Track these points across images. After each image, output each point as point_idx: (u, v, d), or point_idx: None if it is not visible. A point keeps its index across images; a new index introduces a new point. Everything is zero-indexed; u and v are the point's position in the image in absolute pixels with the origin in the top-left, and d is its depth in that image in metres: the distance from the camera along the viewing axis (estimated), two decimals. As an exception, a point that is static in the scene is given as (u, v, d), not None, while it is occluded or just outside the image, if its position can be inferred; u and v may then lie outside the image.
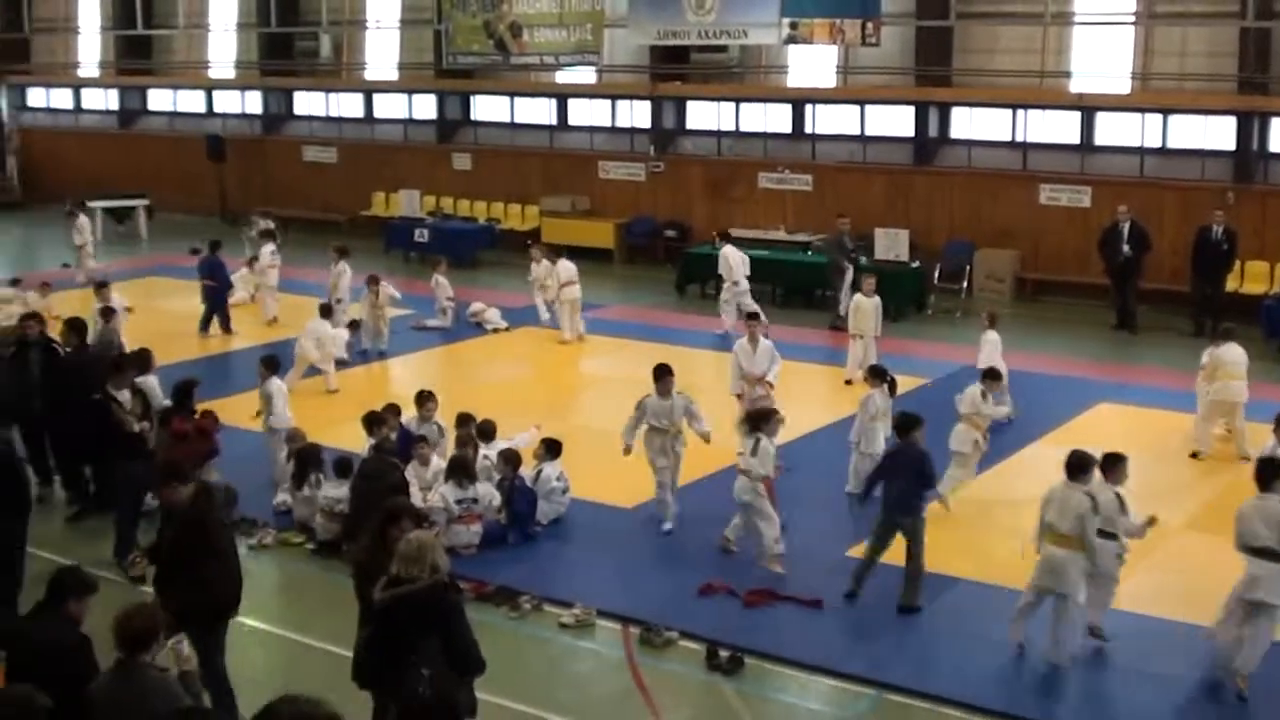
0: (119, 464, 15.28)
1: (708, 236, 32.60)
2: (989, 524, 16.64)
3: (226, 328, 26.99)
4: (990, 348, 20.72)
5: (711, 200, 34.53)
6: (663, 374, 16.64)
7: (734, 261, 27.09)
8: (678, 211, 34.93)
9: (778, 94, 34.74)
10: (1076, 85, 30.53)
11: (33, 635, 9.13)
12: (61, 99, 50.51)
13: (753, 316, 20.54)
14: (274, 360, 19.04)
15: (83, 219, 32.60)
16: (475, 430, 16.94)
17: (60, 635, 8.98)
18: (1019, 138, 31.43)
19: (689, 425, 16.71)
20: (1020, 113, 31.31)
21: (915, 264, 28.66)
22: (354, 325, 24.55)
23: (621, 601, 14.17)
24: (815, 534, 16.38)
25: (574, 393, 23.62)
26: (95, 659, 8.92)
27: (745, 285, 26.94)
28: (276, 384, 18.50)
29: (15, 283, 27.59)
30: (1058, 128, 31.03)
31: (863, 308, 22.93)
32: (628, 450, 16.63)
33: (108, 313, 21.52)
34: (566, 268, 26.36)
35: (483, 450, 16.66)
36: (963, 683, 12.41)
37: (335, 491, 15.74)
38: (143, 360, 17.53)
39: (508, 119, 39.40)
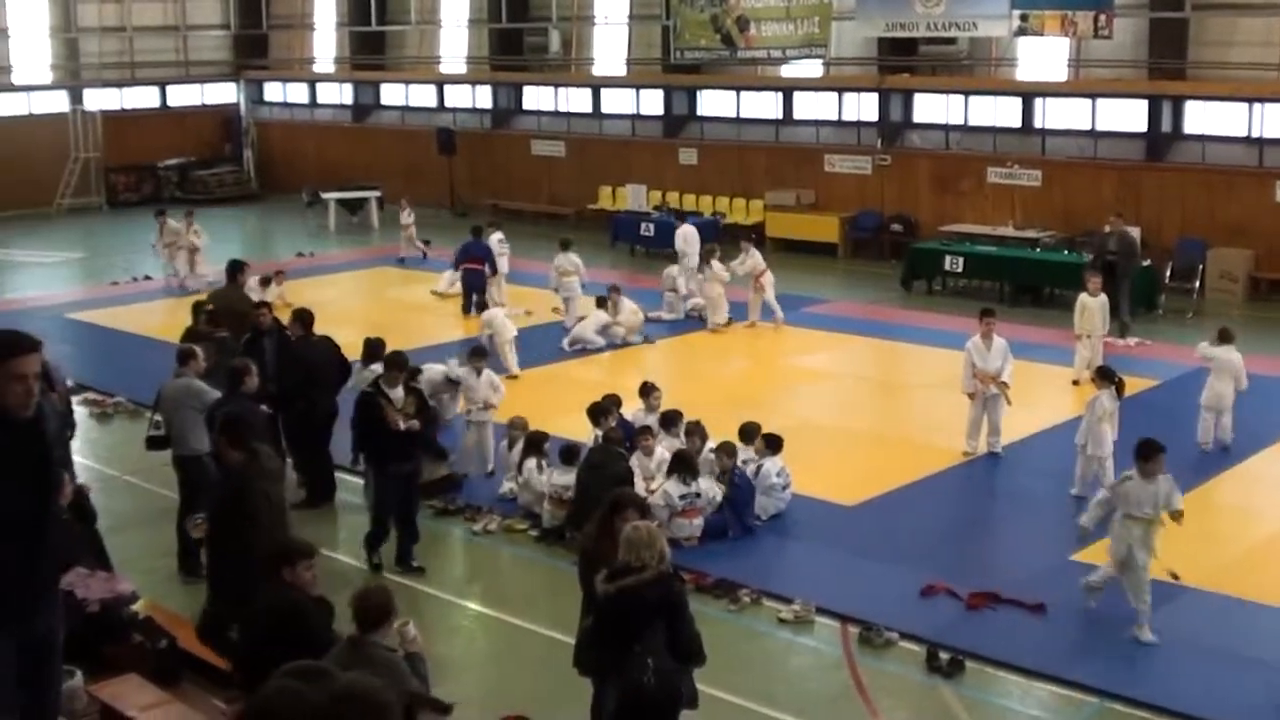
0: (385, 464, 15.01)
1: (934, 232, 32.37)
2: (1218, 531, 16.18)
3: (478, 308, 27.36)
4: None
5: (938, 195, 34.17)
6: (1151, 452, 13.31)
7: (691, 240, 28.27)
8: (904, 206, 34.62)
9: (1007, 87, 34.19)
10: (1317, 79, 29.57)
11: (258, 604, 9.47)
12: (297, 93, 51.91)
13: (988, 313, 20.06)
14: (482, 350, 19.22)
15: (171, 222, 32.17)
16: (741, 433, 16.93)
17: (279, 602, 9.26)
18: (1255, 133, 30.46)
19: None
20: (1257, 107, 30.34)
21: (1146, 262, 27.99)
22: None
23: (841, 599, 14.11)
24: (1038, 537, 16.14)
25: (794, 387, 23.56)
26: (323, 627, 9.12)
27: (694, 264, 27.84)
28: (487, 374, 18.60)
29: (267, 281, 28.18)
30: (1296, 123, 30.07)
31: (1089, 307, 22.40)
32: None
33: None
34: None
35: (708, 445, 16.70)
36: (1188, 695, 12.07)
37: (562, 479, 15.92)
38: (375, 350, 17.86)
39: (733, 113, 39.41)
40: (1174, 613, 13.76)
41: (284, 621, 9.04)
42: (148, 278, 28.11)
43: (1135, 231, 27.57)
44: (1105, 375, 17.38)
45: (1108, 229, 26.59)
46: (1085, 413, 17.28)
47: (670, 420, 17.10)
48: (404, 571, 14.80)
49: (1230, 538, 15.93)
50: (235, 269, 20.81)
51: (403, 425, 14.75)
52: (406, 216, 34.54)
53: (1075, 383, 22.06)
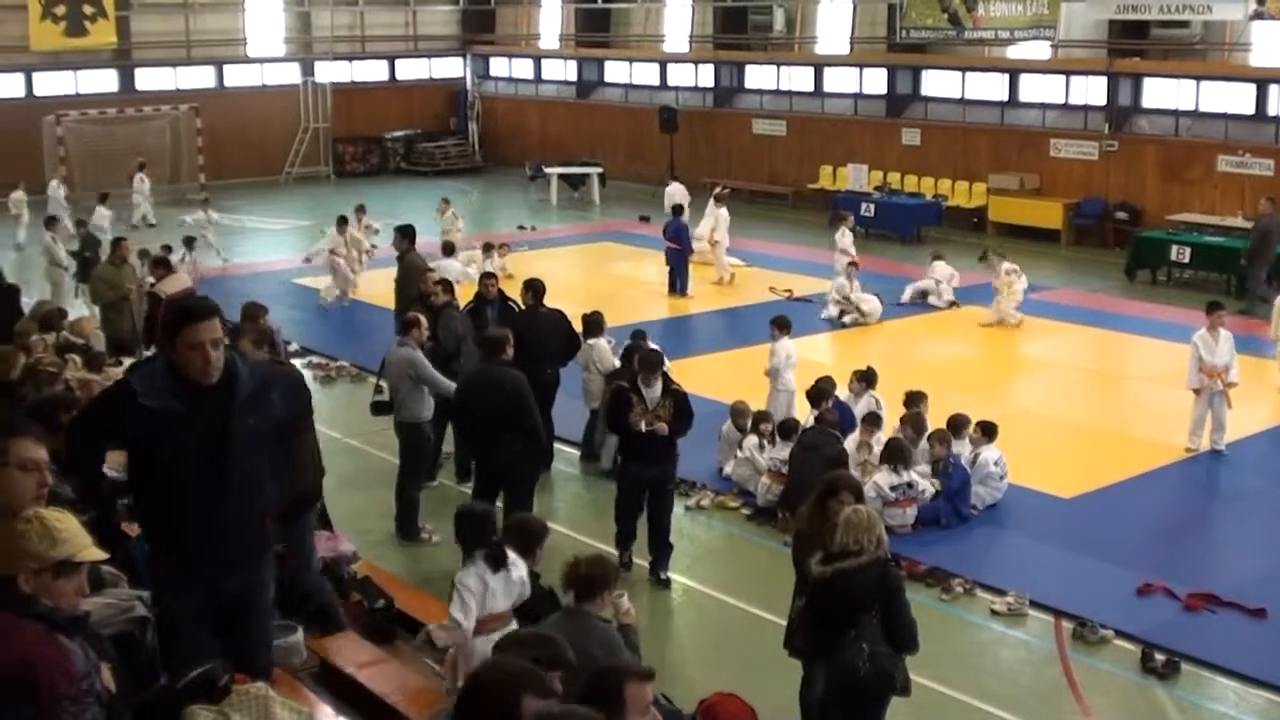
0: (626, 462, 14.63)
1: (1160, 221, 31.67)
2: None
3: (683, 290, 27.74)
4: None
5: (1166, 182, 33.38)
6: None
7: (723, 222, 28.76)
8: (1130, 193, 33.90)
9: (1240, 73, 33.26)
10: None
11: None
12: (522, 69, 52.54)
13: (1216, 305, 19.52)
14: (785, 320, 19.02)
15: (200, 214, 32.60)
16: (950, 424, 16.71)
17: None
18: None
19: None
20: None
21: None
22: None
23: (1056, 593, 13.93)
24: (1261, 539, 15.78)
25: (1014, 375, 23.30)
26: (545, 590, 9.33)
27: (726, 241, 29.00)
28: (786, 344, 18.66)
29: (488, 248, 28.80)
30: None
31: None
32: None
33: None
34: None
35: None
36: None
37: (781, 453, 16.01)
38: (593, 324, 18.09)
39: (958, 94, 38.92)
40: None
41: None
42: (374, 247, 28.74)
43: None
44: None
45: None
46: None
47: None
48: (654, 583, 14.33)
49: None
50: (408, 233, 21.27)
51: (644, 427, 13.90)
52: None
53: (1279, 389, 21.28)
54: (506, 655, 6.53)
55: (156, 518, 7.43)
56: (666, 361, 15.95)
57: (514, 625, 9.41)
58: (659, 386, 14.05)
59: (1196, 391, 18.32)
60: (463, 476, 16.64)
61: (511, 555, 9.53)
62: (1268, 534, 16.01)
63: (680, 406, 14.09)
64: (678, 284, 28.06)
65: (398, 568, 13.85)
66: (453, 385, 15.00)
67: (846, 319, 25.30)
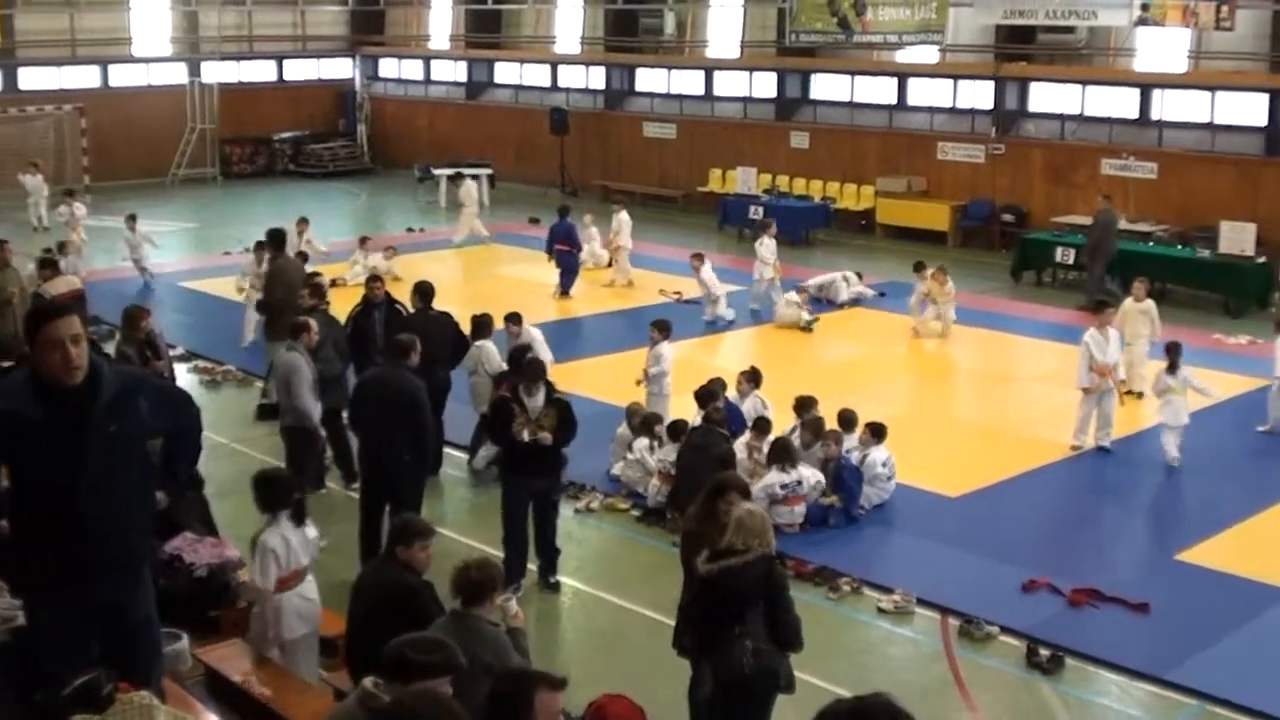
0: (508, 473, 14.35)
1: (1046, 223, 32.07)
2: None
3: (567, 291, 27.72)
4: None
5: (1052, 185, 33.80)
6: None
7: (625, 226, 28.88)
8: (1016, 195, 34.28)
9: (1125, 78, 33.75)
10: None
11: (368, 581, 9.63)
12: (412, 70, 52.19)
13: (1104, 304, 19.63)
14: (666, 323, 19.03)
15: (64, 207, 31.98)
16: (840, 419, 16.84)
17: (392, 580, 9.36)
18: (1381, 129, 29.91)
19: None
20: (1385, 102, 29.80)
21: (1261, 259, 27.51)
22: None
23: (942, 591, 14.04)
24: (1145, 535, 16.03)
25: (901, 376, 23.45)
26: (434, 604, 9.24)
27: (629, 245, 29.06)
28: (667, 347, 18.68)
29: (363, 242, 28.81)
30: None
31: (1130, 314, 20.96)
32: None
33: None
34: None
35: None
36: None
37: (670, 455, 16.01)
38: (482, 326, 18.01)
39: (847, 98, 39.16)
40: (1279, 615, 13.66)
41: (395, 600, 9.15)
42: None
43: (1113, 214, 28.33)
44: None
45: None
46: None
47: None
48: (542, 587, 14.25)
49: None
50: (276, 239, 20.62)
51: (527, 436, 13.59)
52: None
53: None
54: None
55: (20, 524, 7.30)
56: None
57: (311, 578, 10.39)
58: (541, 395, 13.77)
59: (1086, 390, 18.52)
60: (348, 480, 16.52)
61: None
62: (1150, 530, 16.27)
63: (564, 416, 13.82)
64: (565, 285, 28.00)
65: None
66: (310, 408, 14.91)
67: (807, 319, 25.47)
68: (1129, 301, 21.25)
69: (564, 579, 14.45)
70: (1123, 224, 30.51)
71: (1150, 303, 21.34)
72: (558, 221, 28.38)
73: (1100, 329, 18.67)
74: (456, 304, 21.85)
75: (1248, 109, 31.57)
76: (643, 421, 17.00)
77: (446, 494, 16.94)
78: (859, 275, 28.21)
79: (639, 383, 18.69)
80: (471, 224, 34.05)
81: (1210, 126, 32.17)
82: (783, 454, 15.63)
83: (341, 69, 52.32)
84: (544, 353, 17.52)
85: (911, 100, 37.76)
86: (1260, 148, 31.12)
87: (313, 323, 15.70)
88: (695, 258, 26.04)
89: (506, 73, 48.96)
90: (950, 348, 24.59)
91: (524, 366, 14.53)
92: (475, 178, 37.59)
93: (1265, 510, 16.44)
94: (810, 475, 15.72)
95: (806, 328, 25.29)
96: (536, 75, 47.64)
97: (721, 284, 26.15)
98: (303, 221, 29.21)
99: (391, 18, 52.16)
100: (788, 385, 18.06)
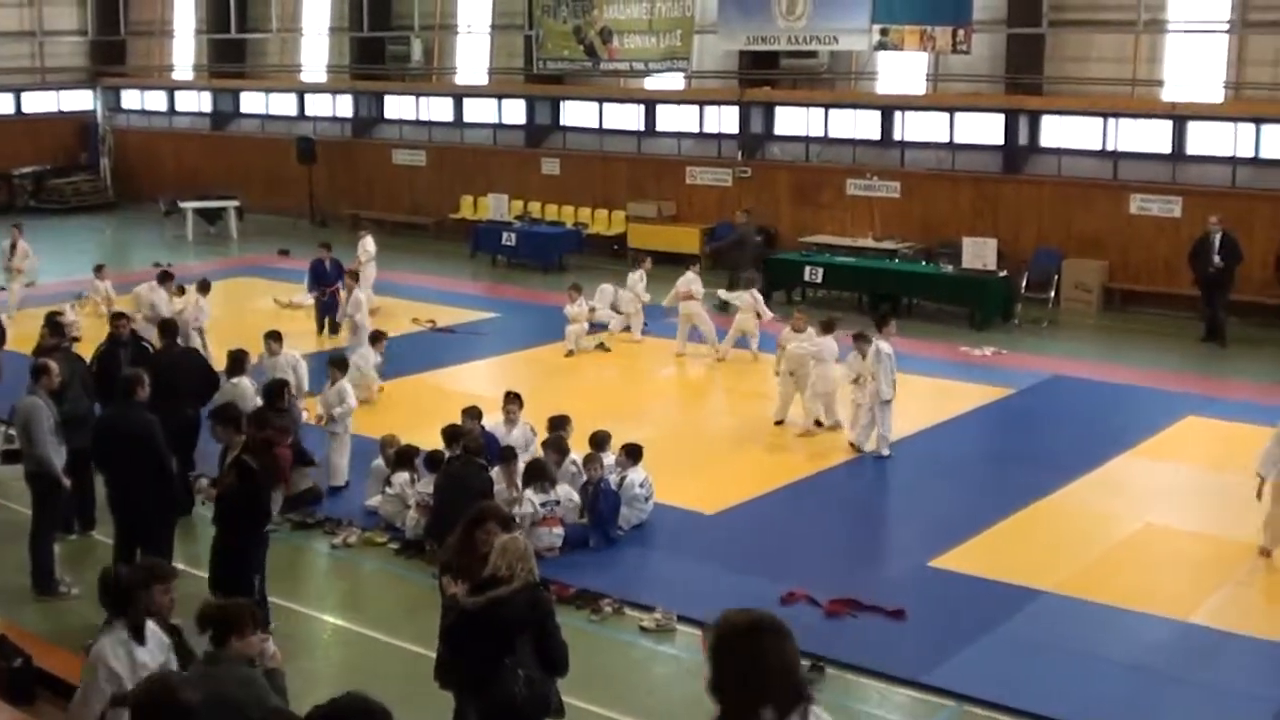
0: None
1: (794, 243, 32.63)
2: (1073, 536, 16.47)
3: (331, 328, 27.09)
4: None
5: (798, 206, 34.44)
6: None
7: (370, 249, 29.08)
8: (764, 217, 34.77)
9: (867, 100, 34.55)
10: (1169, 94, 30.17)
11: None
12: (155, 101, 51.11)
13: (885, 319, 20.52)
14: (344, 361, 19.19)
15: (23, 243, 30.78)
16: (592, 440, 16.72)
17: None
18: (1110, 147, 31.06)
19: None
20: (1111, 121, 30.97)
21: (1003, 273, 28.41)
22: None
23: (703, 606, 14.04)
24: (897, 543, 16.37)
25: (657, 397, 23.63)
26: (186, 647, 9.01)
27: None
28: (348, 386, 18.59)
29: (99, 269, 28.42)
30: (1149, 137, 30.62)
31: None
32: None
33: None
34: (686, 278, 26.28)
35: (571, 456, 16.67)
36: (1044, 697, 12.26)
37: (429, 486, 15.90)
38: (237, 362, 17.70)
39: (596, 124, 39.48)
40: (1030, 616, 14.04)
41: None
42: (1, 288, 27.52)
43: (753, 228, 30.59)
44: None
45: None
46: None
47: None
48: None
49: (1086, 542, 16.18)
50: None
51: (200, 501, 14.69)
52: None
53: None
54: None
55: None
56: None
57: None
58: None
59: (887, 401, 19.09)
60: (86, 525, 16.17)
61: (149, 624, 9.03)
62: (902, 538, 16.62)
63: (243, 475, 12.78)
64: (330, 320, 27.30)
65: (35, 624, 13.24)
66: (49, 455, 14.46)
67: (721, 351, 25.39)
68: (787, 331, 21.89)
69: (324, 616, 14.27)
70: (869, 242, 31.37)
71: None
72: (317, 260, 27.76)
73: (885, 340, 19.39)
74: (211, 339, 21.56)
75: (985, 129, 32.55)
76: (398, 454, 16.78)
77: (201, 534, 16.50)
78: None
79: (320, 421, 18.51)
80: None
81: (950, 146, 33.14)
82: (539, 474, 15.67)
83: (83, 101, 50.97)
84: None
85: (660, 126, 38.17)
86: (998, 165, 32.11)
87: (52, 364, 15.15)
88: (573, 289, 26.20)
89: (252, 102, 48.19)
90: (711, 370, 24.83)
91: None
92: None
93: (1011, 515, 16.94)
94: (567, 494, 15.80)
95: (601, 347, 25.82)
96: (283, 104, 47.00)
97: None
98: (99, 268, 28.86)
99: (133, 48, 50.94)
100: (542, 410, 17.99)
